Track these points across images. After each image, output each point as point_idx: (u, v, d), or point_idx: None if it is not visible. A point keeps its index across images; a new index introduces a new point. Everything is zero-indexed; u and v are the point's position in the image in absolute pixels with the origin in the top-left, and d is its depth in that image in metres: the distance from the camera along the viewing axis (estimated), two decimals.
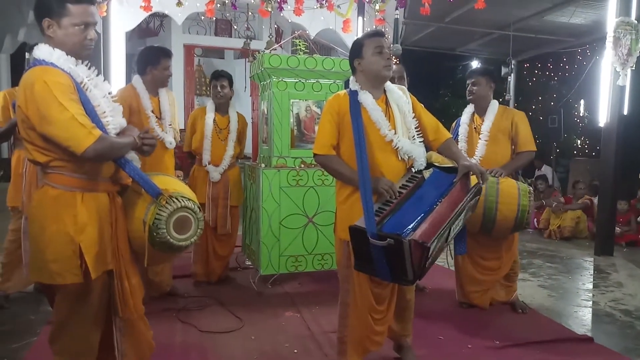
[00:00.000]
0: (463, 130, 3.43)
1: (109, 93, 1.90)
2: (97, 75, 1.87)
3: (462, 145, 3.39)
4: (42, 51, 1.77)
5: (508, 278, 3.43)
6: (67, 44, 1.78)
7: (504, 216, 2.97)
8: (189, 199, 1.89)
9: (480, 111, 3.41)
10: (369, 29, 5.19)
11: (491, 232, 3.08)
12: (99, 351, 1.94)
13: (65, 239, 1.75)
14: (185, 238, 1.86)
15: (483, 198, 2.90)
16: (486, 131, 3.30)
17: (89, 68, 1.85)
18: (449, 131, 3.21)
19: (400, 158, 2.34)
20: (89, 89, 1.80)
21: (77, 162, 1.76)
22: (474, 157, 3.29)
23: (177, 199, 1.85)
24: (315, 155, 2.38)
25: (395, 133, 2.31)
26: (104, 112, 1.83)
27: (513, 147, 3.35)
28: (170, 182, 1.99)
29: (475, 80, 3.38)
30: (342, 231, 2.32)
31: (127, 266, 1.90)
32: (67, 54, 1.77)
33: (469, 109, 3.49)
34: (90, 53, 1.85)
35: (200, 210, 1.94)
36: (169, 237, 1.81)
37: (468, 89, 3.43)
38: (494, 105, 3.39)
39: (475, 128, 3.40)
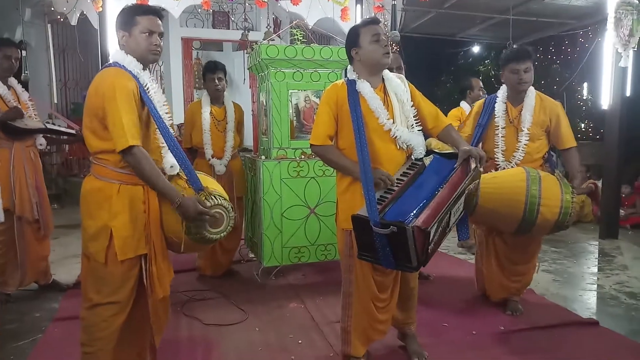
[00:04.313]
0: (502, 125, 2.95)
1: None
2: (155, 82, 2.13)
3: (500, 143, 2.95)
4: (117, 56, 2.08)
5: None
6: (136, 50, 2.07)
7: (545, 219, 2.66)
8: (225, 199, 2.13)
9: (515, 100, 2.96)
10: (367, 17, 5.13)
11: (527, 234, 2.81)
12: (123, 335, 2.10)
13: (101, 224, 2.00)
14: (216, 232, 2.10)
15: (524, 199, 2.63)
16: (527, 129, 2.89)
17: (151, 76, 2.13)
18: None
19: (399, 147, 2.32)
20: (150, 92, 2.08)
21: (118, 156, 1.98)
22: (513, 158, 2.93)
23: (214, 196, 2.07)
24: (311, 145, 2.37)
25: (393, 122, 2.29)
26: (164, 113, 2.10)
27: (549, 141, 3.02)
28: (207, 180, 2.20)
29: (528, 66, 2.87)
30: (343, 221, 2.32)
31: (158, 251, 2.09)
32: (137, 60, 2.06)
33: (502, 93, 3.00)
34: (157, 59, 2.15)
35: (233, 209, 2.14)
36: (203, 229, 2.04)
37: (520, 77, 2.87)
38: (532, 93, 2.94)
39: (511, 121, 2.96)
